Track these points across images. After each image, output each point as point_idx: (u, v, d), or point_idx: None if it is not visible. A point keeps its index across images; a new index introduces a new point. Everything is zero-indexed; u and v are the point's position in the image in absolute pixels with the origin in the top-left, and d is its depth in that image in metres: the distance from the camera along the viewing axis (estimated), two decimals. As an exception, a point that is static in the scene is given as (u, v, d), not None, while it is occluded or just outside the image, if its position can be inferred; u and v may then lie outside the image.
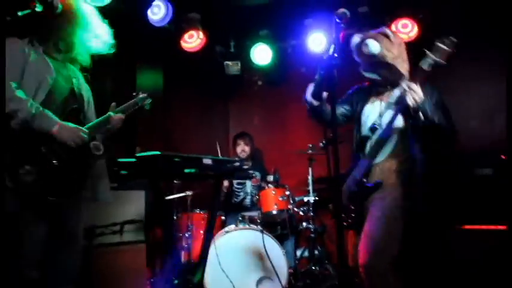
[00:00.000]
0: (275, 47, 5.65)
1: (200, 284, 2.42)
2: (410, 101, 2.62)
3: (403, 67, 2.85)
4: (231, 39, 5.66)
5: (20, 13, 1.99)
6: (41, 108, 2.38)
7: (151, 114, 3.36)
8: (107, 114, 2.71)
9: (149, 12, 4.28)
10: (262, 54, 5.60)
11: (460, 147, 4.04)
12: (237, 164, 2.48)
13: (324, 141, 4.86)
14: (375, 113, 2.93)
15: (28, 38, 2.51)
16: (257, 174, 4.99)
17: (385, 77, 2.95)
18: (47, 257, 2.47)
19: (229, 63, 5.71)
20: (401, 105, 2.74)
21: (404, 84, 2.69)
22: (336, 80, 1.79)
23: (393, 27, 4.71)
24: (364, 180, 2.85)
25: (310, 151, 4.86)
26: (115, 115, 2.71)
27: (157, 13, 4.35)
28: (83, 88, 2.77)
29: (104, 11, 3.88)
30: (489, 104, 4.69)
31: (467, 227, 3.64)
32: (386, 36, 2.84)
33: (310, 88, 1.82)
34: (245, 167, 2.43)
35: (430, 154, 2.85)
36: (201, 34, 4.96)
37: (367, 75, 3.01)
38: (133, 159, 2.08)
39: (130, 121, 2.93)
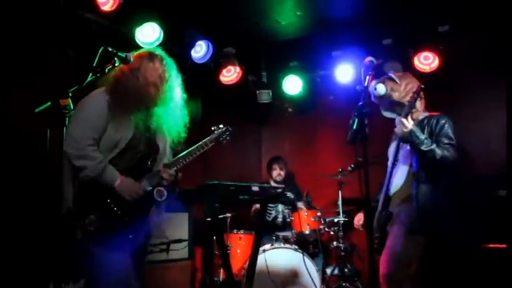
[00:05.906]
0: (305, 77, 5.85)
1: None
2: (398, 130, 3.07)
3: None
4: (263, 71, 5.94)
5: (106, 69, 2.36)
6: (106, 165, 2.66)
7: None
8: (157, 170, 2.90)
9: (192, 51, 4.72)
10: (292, 84, 5.81)
11: (480, 169, 4.36)
12: (279, 190, 2.84)
13: (352, 166, 5.22)
14: (392, 151, 3.30)
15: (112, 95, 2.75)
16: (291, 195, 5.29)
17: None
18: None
19: (261, 91, 5.98)
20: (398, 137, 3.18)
21: (397, 119, 3.10)
22: (367, 125, 2.14)
23: (415, 59, 4.99)
24: (384, 210, 3.22)
25: (340, 176, 5.18)
26: (164, 170, 2.88)
27: (199, 51, 4.78)
28: (159, 137, 2.98)
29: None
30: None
31: (488, 245, 3.92)
32: (392, 79, 3.27)
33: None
34: (288, 194, 2.77)
35: (437, 183, 3.14)
36: (237, 68, 5.31)
37: (386, 115, 3.42)
38: (196, 188, 2.45)
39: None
